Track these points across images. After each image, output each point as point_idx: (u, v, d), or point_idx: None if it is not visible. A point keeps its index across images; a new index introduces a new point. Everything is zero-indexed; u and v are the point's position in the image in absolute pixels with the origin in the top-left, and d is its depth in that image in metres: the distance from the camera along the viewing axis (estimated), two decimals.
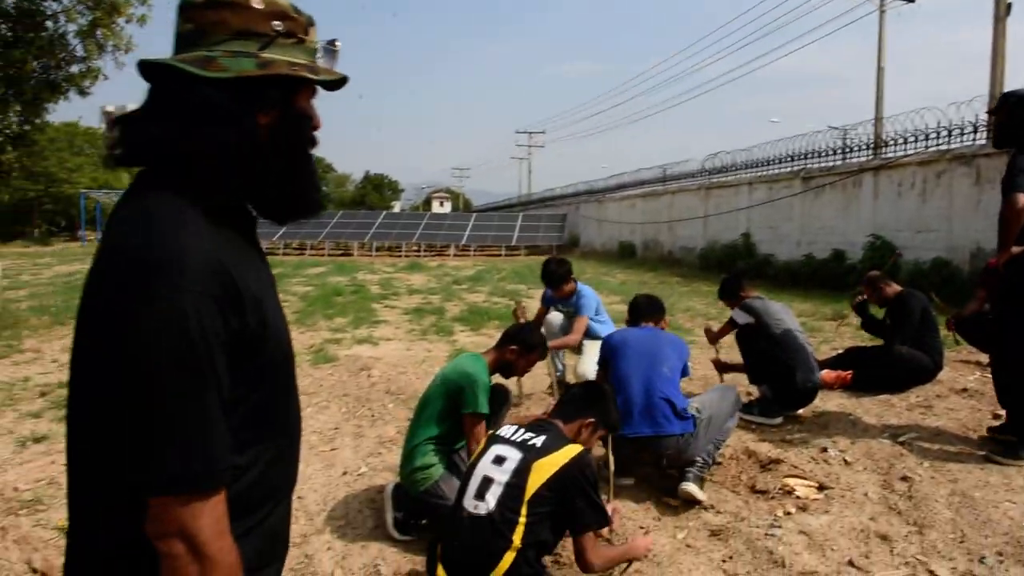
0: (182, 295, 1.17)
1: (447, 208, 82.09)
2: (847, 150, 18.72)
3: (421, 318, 12.48)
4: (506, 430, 3.29)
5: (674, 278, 19.94)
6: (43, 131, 13.18)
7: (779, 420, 5.69)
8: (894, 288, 6.82)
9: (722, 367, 6.38)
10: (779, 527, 3.90)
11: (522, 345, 4.38)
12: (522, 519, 2.92)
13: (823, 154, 19.48)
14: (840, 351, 7.30)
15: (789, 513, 4.12)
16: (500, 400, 4.52)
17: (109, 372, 1.17)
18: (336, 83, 1.45)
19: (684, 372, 4.73)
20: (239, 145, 1.32)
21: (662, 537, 3.92)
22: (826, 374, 6.64)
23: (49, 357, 8.95)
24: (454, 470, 3.99)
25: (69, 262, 26.89)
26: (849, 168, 17.83)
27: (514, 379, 4.83)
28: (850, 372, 6.69)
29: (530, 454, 3.07)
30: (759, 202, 20.94)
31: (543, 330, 6.29)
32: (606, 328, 6.34)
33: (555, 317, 6.73)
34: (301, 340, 10.15)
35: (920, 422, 5.58)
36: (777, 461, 4.79)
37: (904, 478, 4.45)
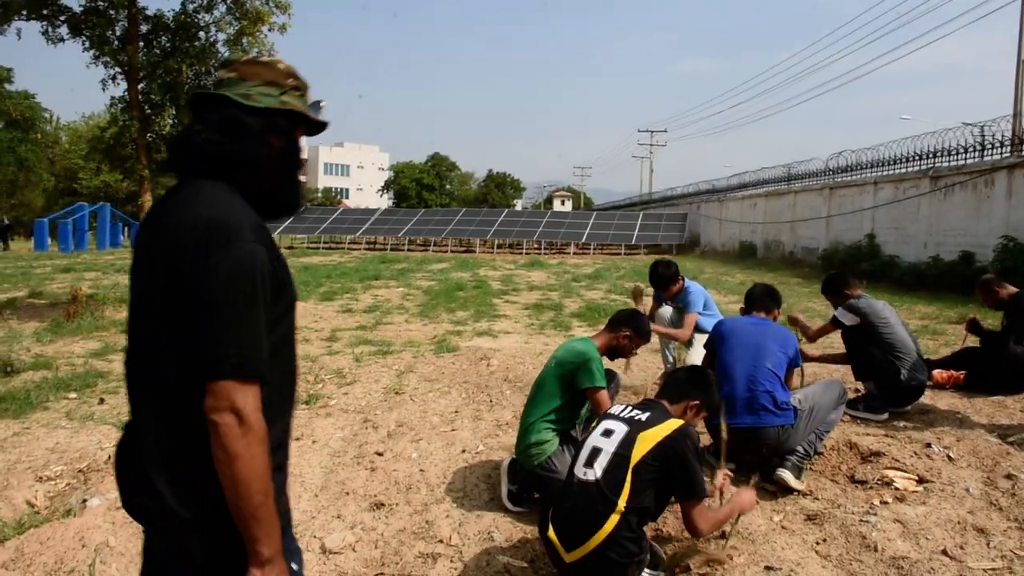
0: (252, 244, 1.72)
1: (568, 206, 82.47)
2: (981, 148, 18.12)
3: (540, 313, 12.84)
4: (616, 408, 3.59)
5: (794, 279, 19.72)
6: None
7: (884, 416, 5.78)
8: (1009, 290, 6.75)
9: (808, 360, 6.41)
10: (875, 515, 4.04)
11: (635, 330, 4.63)
12: (627, 486, 3.18)
13: (953, 152, 18.90)
14: (955, 351, 7.25)
15: (886, 502, 4.24)
16: (609, 382, 4.76)
17: (199, 291, 1.68)
18: (321, 127, 2.06)
19: (794, 363, 4.88)
20: (259, 155, 1.89)
21: (759, 518, 4.12)
22: (938, 373, 6.68)
23: None
24: (567, 446, 4.28)
25: None
26: (981, 167, 17.26)
27: (622, 366, 5.13)
28: (963, 372, 6.68)
29: (636, 427, 3.34)
30: (884, 202, 20.47)
31: (653, 324, 6.57)
32: (714, 322, 6.49)
33: (665, 311, 6.93)
34: (424, 331, 10.67)
35: None
36: (878, 454, 4.89)
37: (1009, 476, 4.48)
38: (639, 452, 3.24)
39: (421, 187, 74.54)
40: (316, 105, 2.21)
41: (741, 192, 32.60)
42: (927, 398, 6.16)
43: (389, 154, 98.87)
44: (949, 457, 4.85)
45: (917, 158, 20.29)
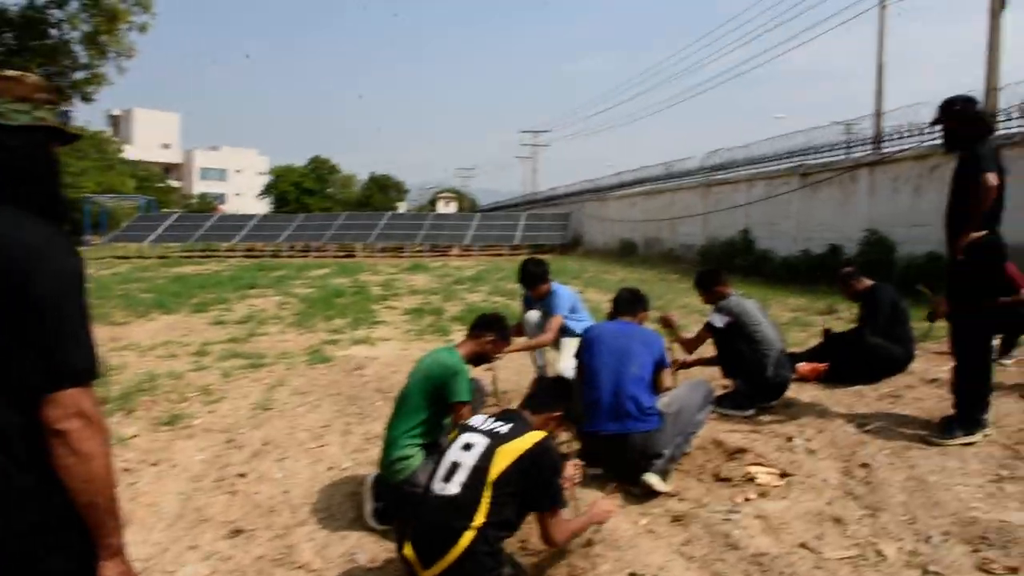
0: (71, 257, 1.83)
1: (452, 208, 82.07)
2: (847, 145, 18.85)
3: (420, 318, 12.65)
4: (476, 419, 3.53)
5: (673, 275, 20.08)
6: None
7: (751, 411, 5.88)
8: (865, 283, 6.99)
9: (684, 367, 6.52)
10: (737, 512, 4.08)
11: (499, 334, 4.59)
12: (485, 500, 3.13)
13: (821, 150, 19.63)
14: (816, 343, 7.44)
15: (749, 499, 4.31)
16: (473, 392, 4.68)
17: (29, 309, 1.73)
18: (75, 136, 2.11)
19: (661, 364, 4.89)
20: (24, 172, 1.91)
21: (624, 523, 4.09)
22: (802, 366, 6.83)
23: None
24: (432, 460, 4.14)
25: None
26: (845, 164, 17.99)
27: (490, 375, 5.06)
28: (825, 364, 6.86)
29: (496, 440, 3.29)
30: (758, 199, 21.09)
31: (524, 330, 6.58)
32: (583, 325, 6.41)
33: (532, 315, 6.82)
34: (298, 342, 10.33)
35: (888, 411, 5.79)
36: (743, 450, 4.98)
37: (864, 465, 4.64)
38: (499, 466, 3.20)
39: (301, 191, 72.78)
40: (65, 115, 2.16)
41: (621, 191, 33.09)
42: (792, 391, 6.31)
43: (268, 157, 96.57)
44: (810, 449, 5.00)
45: (788, 156, 20.98)
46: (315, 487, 4.70)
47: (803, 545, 3.74)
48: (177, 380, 7.64)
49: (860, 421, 5.51)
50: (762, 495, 4.37)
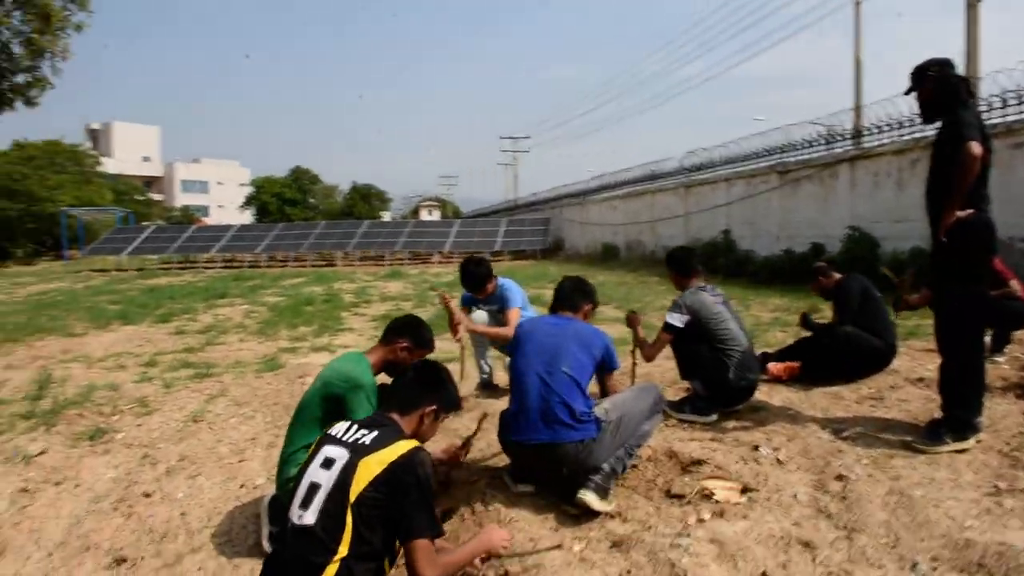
0: None
1: (436, 216, 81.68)
2: (826, 141, 18.46)
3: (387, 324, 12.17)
4: (337, 428, 3.02)
5: (654, 277, 19.63)
6: None
7: (713, 417, 5.33)
8: (834, 278, 6.56)
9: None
10: (687, 536, 3.56)
11: (413, 340, 4.03)
12: (348, 527, 2.68)
13: (800, 147, 19.24)
14: (790, 342, 6.92)
15: (703, 520, 3.77)
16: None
17: None
18: None
19: (606, 366, 4.34)
20: None
21: (556, 552, 3.56)
22: (773, 366, 6.33)
23: None
24: None
25: (48, 280, 26.59)
26: (825, 160, 17.60)
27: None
28: (799, 363, 6.33)
29: (358, 452, 2.82)
30: (738, 198, 20.70)
31: (465, 332, 6.08)
32: None
33: (478, 316, 6.32)
34: (257, 350, 9.87)
35: (868, 414, 5.26)
36: (700, 462, 4.41)
37: (839, 477, 4.11)
38: (360, 483, 2.73)
39: (283, 202, 72.32)
40: None
41: (602, 195, 32.67)
42: (762, 393, 5.77)
43: (250, 169, 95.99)
44: (779, 460, 4.45)
45: (767, 154, 20.59)
46: (220, 508, 4.26)
47: (764, 575, 3.24)
48: (114, 392, 7.15)
49: (836, 427, 4.97)
50: (719, 515, 3.82)
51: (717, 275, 18.00)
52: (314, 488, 2.76)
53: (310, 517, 2.69)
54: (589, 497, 3.87)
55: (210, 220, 72.34)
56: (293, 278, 24.31)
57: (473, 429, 4.69)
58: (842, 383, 5.98)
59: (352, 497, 2.69)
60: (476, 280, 6.11)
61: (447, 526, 3.82)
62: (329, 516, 2.68)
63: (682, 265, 5.74)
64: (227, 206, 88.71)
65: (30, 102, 12.11)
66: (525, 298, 6.29)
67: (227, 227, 39.59)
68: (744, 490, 4.05)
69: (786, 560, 3.34)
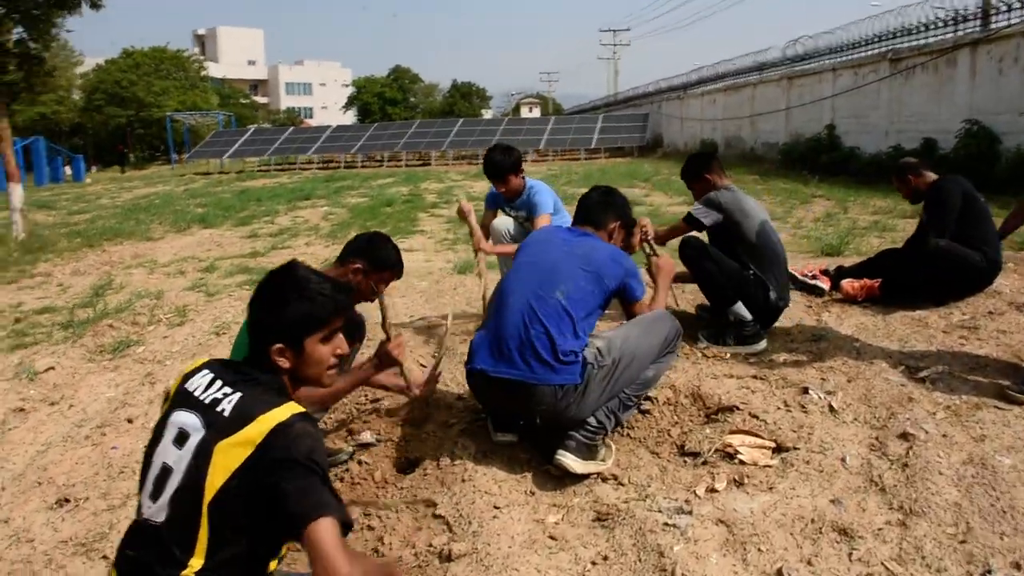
0: None
1: (536, 113, 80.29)
2: (945, 24, 16.83)
3: (460, 227, 11.79)
4: (197, 379, 2.13)
5: (751, 176, 18.60)
6: (49, 48, 12.78)
7: (763, 345, 4.52)
8: (928, 178, 5.37)
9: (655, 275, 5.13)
10: (688, 513, 2.83)
11: (368, 261, 3.29)
12: (203, 532, 1.91)
13: (916, 31, 17.62)
14: (870, 255, 5.95)
15: (715, 490, 3.00)
16: (345, 336, 3.51)
17: None
18: None
19: (625, 294, 3.48)
20: None
21: (524, 519, 2.94)
22: (848, 284, 5.43)
23: (56, 281, 8.65)
24: None
25: (154, 184, 27.21)
26: (942, 45, 16.04)
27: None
28: (878, 280, 5.37)
29: (213, 431, 1.98)
30: (844, 90, 19.27)
31: (489, 240, 5.37)
32: None
33: (502, 223, 5.55)
34: (320, 254, 9.68)
35: (956, 348, 4.22)
36: (730, 408, 3.58)
37: (904, 435, 3.22)
38: (217, 477, 1.91)
39: (384, 101, 72.26)
40: None
41: (701, 88, 31.20)
42: (831, 317, 4.96)
43: (351, 69, 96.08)
44: (831, 407, 3.58)
45: (877, 40, 19.02)
46: None
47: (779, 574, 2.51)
48: (157, 300, 6.98)
49: (913, 364, 3.99)
50: (737, 483, 3.04)
51: (819, 174, 16.92)
52: (165, 473, 1.99)
53: (159, 512, 1.97)
54: (567, 459, 3.18)
55: (314, 121, 73.08)
56: (384, 178, 24.17)
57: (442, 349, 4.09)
58: (930, 306, 4.97)
59: (208, 495, 1.91)
60: (496, 170, 5.23)
61: (408, 480, 3.31)
62: (179, 516, 1.94)
63: (696, 169, 4.90)
64: (330, 107, 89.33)
65: (95, 4, 11.88)
66: (558, 203, 5.47)
67: (324, 128, 39.62)
68: (777, 448, 3.28)
69: (813, 554, 2.59)
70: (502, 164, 5.17)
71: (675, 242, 4.81)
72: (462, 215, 5.17)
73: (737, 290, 4.50)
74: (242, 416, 1.96)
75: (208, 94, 57.53)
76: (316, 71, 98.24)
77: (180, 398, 2.10)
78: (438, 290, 6.80)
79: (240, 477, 1.90)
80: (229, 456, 1.91)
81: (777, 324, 4.73)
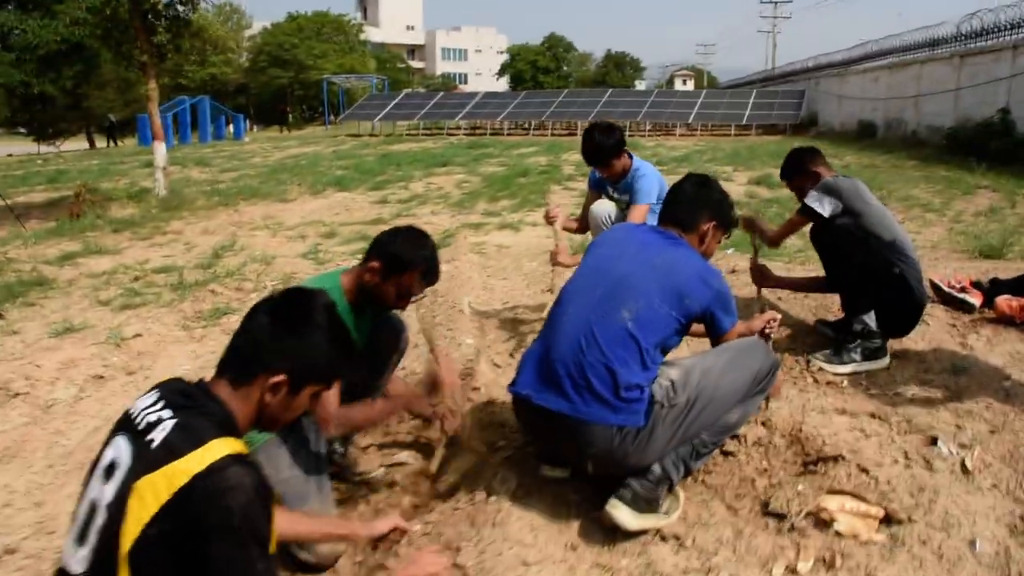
0: None
1: (690, 86, 78.44)
2: None
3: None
4: (146, 397, 1.82)
5: (911, 162, 17.43)
6: (197, 10, 13.13)
7: (886, 361, 3.96)
8: None
9: (761, 279, 4.43)
10: None
11: (386, 260, 2.80)
12: None
13: None
14: None
15: (794, 572, 2.39)
16: (381, 346, 3.09)
17: None
18: None
19: (711, 321, 2.85)
20: None
21: None
22: (1004, 301, 4.48)
23: (183, 240, 8.86)
24: (293, 439, 2.71)
25: (307, 144, 28.02)
26: None
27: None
28: None
29: (140, 461, 1.66)
30: (1023, 70, 17.72)
31: (589, 229, 4.97)
32: None
33: (602, 208, 4.96)
34: (445, 223, 9.70)
35: None
36: (835, 458, 2.88)
37: None
38: (134, 524, 1.59)
39: (537, 70, 72.31)
40: None
41: (863, 64, 29.45)
42: (981, 341, 4.15)
43: (507, 36, 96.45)
44: (964, 466, 2.87)
45: None
46: None
47: None
48: (267, 266, 7.00)
49: None
50: (828, 563, 2.40)
51: (988, 161, 15.66)
52: (92, 513, 1.68)
53: (80, 562, 1.66)
54: (620, 513, 2.60)
55: (467, 87, 73.84)
56: (527, 147, 24.01)
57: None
58: None
59: (124, 544, 1.59)
60: (598, 153, 4.70)
61: (436, 514, 2.86)
62: (98, 567, 1.64)
63: (800, 163, 4.27)
64: (484, 74, 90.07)
65: None
66: (664, 190, 4.54)
67: (473, 94, 39.83)
68: (887, 519, 2.60)
69: None
70: (602, 147, 4.66)
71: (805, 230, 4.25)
72: (549, 220, 4.75)
73: (880, 292, 3.90)
74: (169, 449, 1.65)
75: (366, 58, 59.01)
76: (472, 37, 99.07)
77: (122, 419, 1.81)
78: (545, 272, 6.43)
79: (159, 525, 1.58)
80: (145, 499, 1.60)
81: (912, 346, 4.09)
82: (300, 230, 9.30)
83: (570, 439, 2.65)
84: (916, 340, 4.09)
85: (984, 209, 9.93)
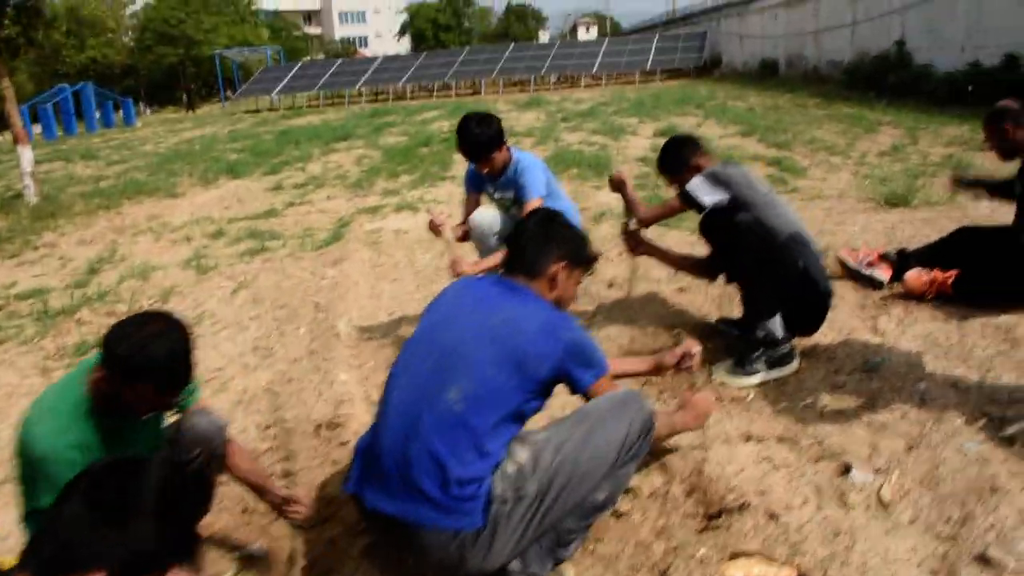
0: None
1: (593, 34, 78.21)
2: None
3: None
4: None
5: (813, 99, 17.34)
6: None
7: (795, 365, 3.56)
8: None
9: (635, 245, 4.07)
10: None
11: (111, 367, 2.17)
12: None
13: None
14: (941, 235, 4.57)
15: None
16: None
17: None
18: None
19: (574, 385, 2.37)
20: None
21: None
22: (913, 277, 4.20)
23: (58, 254, 8.15)
24: None
25: (203, 125, 26.83)
26: None
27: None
28: (953, 272, 4.10)
29: None
30: (916, 1, 17.74)
31: (471, 240, 4.52)
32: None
33: (484, 219, 4.49)
34: (340, 209, 9.22)
35: None
36: (740, 507, 2.51)
37: (983, 559, 2.15)
38: None
39: (438, 27, 70.88)
40: None
41: (762, 2, 29.41)
42: (892, 322, 3.89)
43: None
44: (880, 500, 2.52)
45: None
46: None
47: None
48: (144, 282, 6.42)
49: (997, 413, 2.90)
50: None
51: (884, 96, 15.64)
52: None
53: None
54: None
55: (368, 51, 72.23)
56: (431, 110, 23.34)
57: None
58: (1020, 311, 3.76)
59: None
60: (477, 147, 4.20)
61: None
62: None
63: (679, 157, 3.81)
64: (384, 35, 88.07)
65: None
66: (552, 181, 4.46)
67: (372, 59, 38.81)
68: None
69: None
70: (481, 140, 4.15)
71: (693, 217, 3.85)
72: (435, 231, 4.23)
73: (784, 290, 3.46)
74: None
75: (259, 28, 56.93)
76: None
77: None
78: (438, 267, 5.94)
79: None
80: None
81: (821, 339, 3.75)
82: (187, 231, 8.65)
83: (406, 545, 2.21)
84: (825, 331, 3.74)
85: (887, 148, 9.82)
